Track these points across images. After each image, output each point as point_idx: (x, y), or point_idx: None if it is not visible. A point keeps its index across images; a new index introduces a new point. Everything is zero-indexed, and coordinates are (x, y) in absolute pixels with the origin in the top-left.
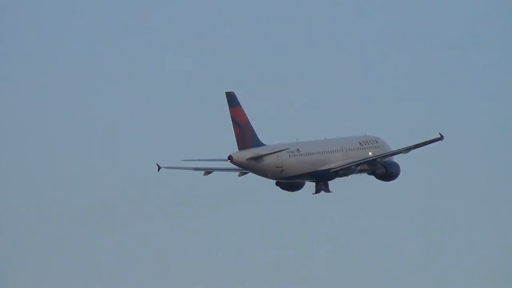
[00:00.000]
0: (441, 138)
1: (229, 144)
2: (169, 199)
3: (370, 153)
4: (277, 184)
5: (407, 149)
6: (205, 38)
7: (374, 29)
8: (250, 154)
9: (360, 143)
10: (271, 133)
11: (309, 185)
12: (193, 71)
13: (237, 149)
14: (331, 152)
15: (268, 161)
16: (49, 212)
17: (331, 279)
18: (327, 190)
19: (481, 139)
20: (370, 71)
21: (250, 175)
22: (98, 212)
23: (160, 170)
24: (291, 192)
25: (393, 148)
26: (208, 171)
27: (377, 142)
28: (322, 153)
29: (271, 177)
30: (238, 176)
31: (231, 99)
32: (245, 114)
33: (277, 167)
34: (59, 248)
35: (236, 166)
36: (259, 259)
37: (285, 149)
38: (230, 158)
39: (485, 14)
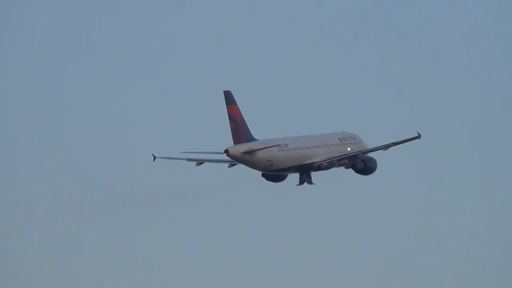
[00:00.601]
0: (418, 137)
1: (226, 138)
2: (160, 187)
3: (348, 149)
4: (262, 175)
5: (386, 146)
6: (208, 38)
7: (360, 29)
8: (244, 148)
9: (340, 139)
10: (261, 129)
11: (291, 177)
12: (194, 70)
13: (232, 144)
14: (315, 147)
15: (260, 155)
16: (42, 200)
17: (314, 265)
18: (310, 182)
19: (459, 137)
20: (354, 71)
21: (239, 166)
22: (91, 198)
23: (155, 160)
24: (275, 183)
25: (369, 144)
26: (200, 162)
27: (354, 138)
28: (307, 148)
29: (262, 169)
30: (228, 167)
31: (228, 97)
32: (240, 111)
33: (267, 160)
34: (50, 236)
35: (229, 158)
36: (246, 247)
37: (276, 145)
38: (226, 151)
39: (470, 12)
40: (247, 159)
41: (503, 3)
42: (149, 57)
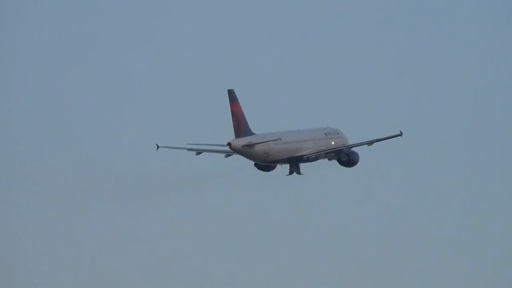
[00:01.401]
0: (400, 134)
1: (228, 132)
2: (160, 173)
3: (332, 143)
4: (255, 165)
5: (370, 142)
6: (211, 39)
7: (350, 28)
8: (244, 142)
9: (325, 134)
10: (258, 123)
11: (280, 167)
12: (202, 71)
13: (234, 137)
14: (304, 141)
15: (258, 148)
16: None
17: (301, 247)
18: (299, 173)
19: (439, 135)
20: (344, 69)
21: (234, 156)
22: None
23: (158, 149)
24: (266, 172)
25: (353, 139)
26: (199, 152)
27: (337, 133)
28: (298, 142)
29: (259, 160)
30: (225, 157)
31: (231, 95)
32: (241, 108)
33: (264, 153)
34: (52, 225)
35: (228, 150)
36: (239, 232)
37: (272, 140)
38: (229, 144)
39: (451, 8)
40: (247, 151)
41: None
42: (160, 58)
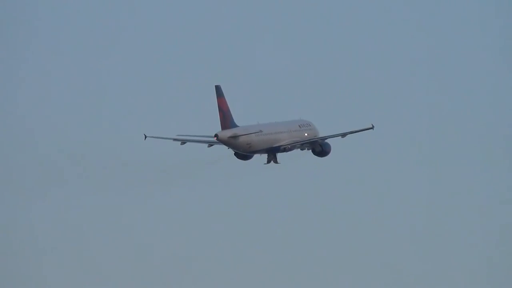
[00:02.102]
0: (372, 127)
1: (214, 124)
2: (145, 162)
3: (306, 134)
4: (235, 154)
5: (344, 134)
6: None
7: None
8: (230, 134)
9: (299, 126)
10: (240, 116)
11: (257, 156)
12: (191, 68)
13: (220, 129)
14: (281, 132)
15: (242, 139)
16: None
17: (280, 233)
18: (276, 161)
19: (408, 129)
20: (321, 65)
21: (216, 146)
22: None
23: (146, 139)
24: (245, 161)
25: (321, 130)
26: (183, 142)
27: (310, 125)
28: (276, 133)
29: (242, 150)
30: (208, 147)
31: (218, 91)
32: (227, 102)
33: (247, 144)
34: (36, 210)
35: (211, 140)
36: (219, 217)
37: (255, 132)
38: (216, 136)
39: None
40: (231, 142)
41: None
42: (153, 56)
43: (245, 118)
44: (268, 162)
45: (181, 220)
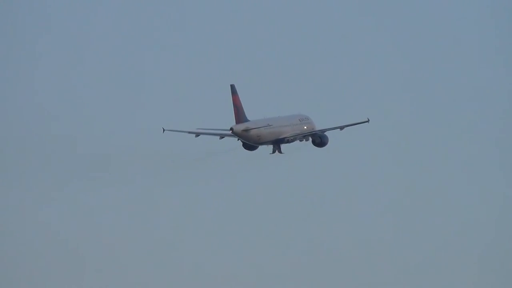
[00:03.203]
0: (367, 121)
1: (229, 119)
2: (163, 153)
3: (305, 127)
4: (243, 145)
5: (342, 127)
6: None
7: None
8: (243, 127)
9: (299, 120)
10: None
11: (262, 147)
12: (208, 68)
13: (235, 123)
14: (285, 126)
15: (253, 132)
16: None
17: (284, 217)
18: (280, 152)
19: (401, 123)
20: (323, 63)
21: (226, 138)
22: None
23: (164, 132)
24: (251, 151)
25: (319, 124)
26: (197, 134)
27: (308, 119)
28: (280, 126)
29: (253, 142)
30: (219, 139)
31: (233, 89)
32: (240, 99)
33: (257, 136)
34: (53, 201)
35: (226, 133)
36: (230, 200)
37: (265, 126)
38: (231, 129)
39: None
40: (244, 135)
41: None
42: (177, 58)
43: (248, 113)
44: (273, 152)
45: (196, 206)
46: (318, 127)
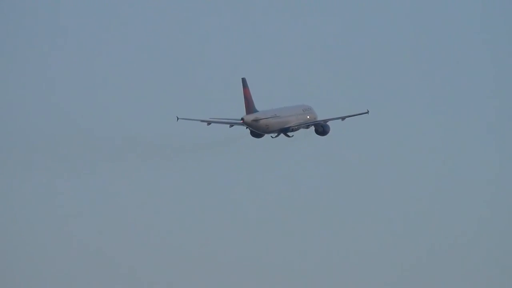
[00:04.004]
0: (367, 112)
1: (240, 109)
2: (176, 140)
3: (308, 117)
4: (250, 133)
5: (343, 118)
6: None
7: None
8: (253, 117)
9: (303, 110)
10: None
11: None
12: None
13: (245, 114)
14: (290, 116)
15: (262, 122)
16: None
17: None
18: (288, 135)
19: (399, 113)
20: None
21: (236, 127)
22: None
23: (178, 120)
24: (258, 139)
25: (321, 114)
26: (209, 122)
27: (310, 109)
28: (286, 116)
29: (261, 131)
30: (229, 127)
31: (244, 82)
32: (250, 92)
33: (265, 125)
34: (71, 185)
35: (236, 122)
36: (243, 182)
37: (272, 116)
38: (242, 119)
39: None
40: (253, 124)
41: None
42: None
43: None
44: (276, 136)
45: (210, 188)
46: (321, 117)
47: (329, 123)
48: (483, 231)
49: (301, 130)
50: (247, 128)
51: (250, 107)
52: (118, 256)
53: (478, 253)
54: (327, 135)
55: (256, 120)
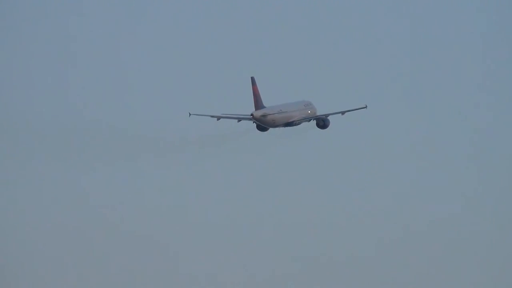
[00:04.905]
0: (365, 107)
1: (249, 105)
2: (190, 133)
3: (309, 112)
4: (256, 127)
5: (343, 112)
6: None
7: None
8: (261, 113)
9: (304, 105)
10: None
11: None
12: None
13: (254, 110)
14: (294, 111)
15: (269, 117)
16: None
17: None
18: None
19: (396, 107)
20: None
21: (243, 121)
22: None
23: (190, 116)
24: (263, 132)
25: (322, 108)
26: (218, 117)
27: (311, 104)
28: (291, 111)
29: (268, 125)
30: (237, 122)
31: (253, 81)
32: (258, 89)
33: (272, 120)
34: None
35: (241, 116)
36: (253, 170)
37: (278, 112)
38: (252, 114)
39: None
40: (261, 119)
41: None
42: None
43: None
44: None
45: (226, 177)
46: (322, 112)
47: (329, 117)
48: (483, 229)
49: (304, 124)
50: (253, 122)
51: (258, 103)
52: (130, 250)
53: (478, 253)
54: (327, 128)
55: (264, 116)
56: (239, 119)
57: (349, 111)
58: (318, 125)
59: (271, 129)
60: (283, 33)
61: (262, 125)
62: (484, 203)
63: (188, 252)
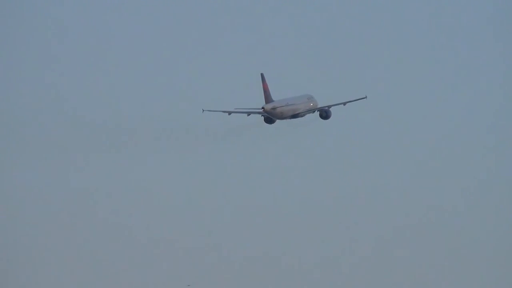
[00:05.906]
0: (365, 97)
1: (259, 99)
2: (203, 126)
3: (311, 104)
4: (264, 120)
5: (345, 103)
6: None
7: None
8: (271, 106)
9: (307, 99)
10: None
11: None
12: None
13: (264, 103)
14: (299, 104)
15: (278, 109)
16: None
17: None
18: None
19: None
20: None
21: (252, 115)
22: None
23: (203, 112)
24: (270, 125)
25: (323, 100)
26: (230, 112)
27: (313, 97)
28: (296, 104)
29: (276, 117)
30: (247, 116)
31: (262, 77)
32: (267, 84)
33: (281, 113)
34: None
35: (252, 110)
36: (261, 158)
37: (286, 105)
38: (263, 108)
39: None
40: (271, 112)
41: None
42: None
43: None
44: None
45: (234, 168)
46: (324, 103)
47: (331, 108)
48: (482, 227)
49: (308, 115)
50: (262, 115)
51: (268, 97)
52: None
53: (476, 253)
54: (329, 118)
55: (274, 108)
56: (249, 113)
57: (350, 102)
58: (321, 116)
59: (277, 122)
60: (283, 33)
61: (271, 117)
62: (485, 192)
63: (202, 242)
